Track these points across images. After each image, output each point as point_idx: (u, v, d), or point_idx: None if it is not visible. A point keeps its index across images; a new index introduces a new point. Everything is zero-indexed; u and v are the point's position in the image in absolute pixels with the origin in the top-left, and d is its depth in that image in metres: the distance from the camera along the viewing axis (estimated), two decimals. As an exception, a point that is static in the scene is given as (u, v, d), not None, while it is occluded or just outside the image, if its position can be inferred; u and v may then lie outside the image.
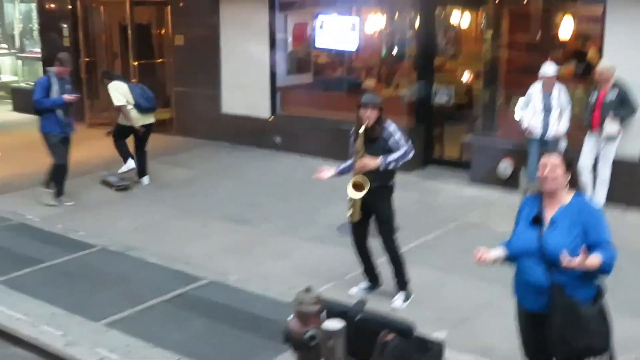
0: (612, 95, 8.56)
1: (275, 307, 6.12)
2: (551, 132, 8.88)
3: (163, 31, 14.42)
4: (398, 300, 6.22)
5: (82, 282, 6.87)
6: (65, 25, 14.72)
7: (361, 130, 6.06)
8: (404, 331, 5.02)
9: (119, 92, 9.87)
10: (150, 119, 10.06)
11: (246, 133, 12.38)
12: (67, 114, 9.14)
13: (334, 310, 5.08)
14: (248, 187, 10.16)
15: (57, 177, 9.21)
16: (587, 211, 4.00)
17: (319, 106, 12.25)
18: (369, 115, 5.99)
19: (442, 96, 10.55)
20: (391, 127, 6.08)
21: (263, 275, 6.99)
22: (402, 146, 6.04)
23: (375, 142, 6.06)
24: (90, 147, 11.78)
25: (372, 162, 6.03)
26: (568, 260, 3.77)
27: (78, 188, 10.03)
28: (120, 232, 8.24)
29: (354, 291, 6.45)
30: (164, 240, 8.00)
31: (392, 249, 6.28)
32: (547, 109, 8.89)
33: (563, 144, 8.88)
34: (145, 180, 10.24)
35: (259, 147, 12.16)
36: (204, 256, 7.47)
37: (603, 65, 8.64)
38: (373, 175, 6.06)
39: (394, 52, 12.32)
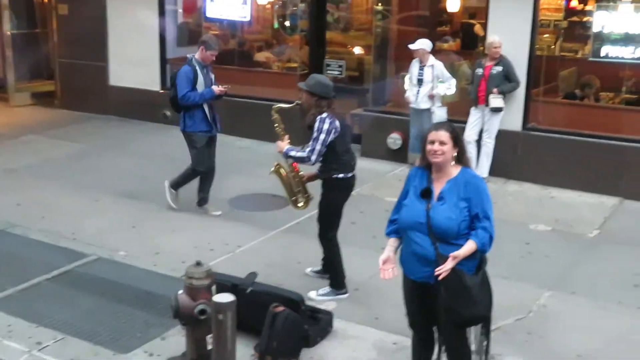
0: (497, 70, 8.86)
1: (166, 282, 6.03)
2: (421, 104, 9.20)
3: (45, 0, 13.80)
4: (314, 292, 5.93)
5: (-40, 262, 6.55)
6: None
7: (275, 106, 5.97)
8: (294, 303, 5.08)
9: None
10: None
11: (136, 106, 12.06)
12: (212, 109, 7.78)
13: (225, 284, 5.07)
14: (139, 161, 9.93)
15: (188, 181, 7.97)
16: (473, 184, 4.09)
17: (211, 79, 12.08)
18: (301, 97, 5.84)
19: (333, 69, 10.59)
20: (318, 123, 5.65)
21: (154, 250, 6.87)
22: (307, 148, 5.71)
23: (309, 129, 5.79)
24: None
25: (279, 145, 5.92)
26: (444, 268, 3.94)
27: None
28: (2, 208, 7.89)
29: (308, 270, 6.36)
30: (50, 216, 7.71)
31: (324, 243, 6.02)
32: (421, 82, 9.18)
33: (442, 115, 9.13)
34: None
35: (149, 121, 11.88)
36: (92, 232, 7.27)
37: (492, 39, 8.89)
38: (320, 165, 5.89)
39: (286, 24, 12.28)
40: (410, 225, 4.13)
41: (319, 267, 6.35)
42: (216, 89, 7.61)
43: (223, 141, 10.92)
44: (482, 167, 9.11)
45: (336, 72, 10.63)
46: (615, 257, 6.93)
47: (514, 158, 9.23)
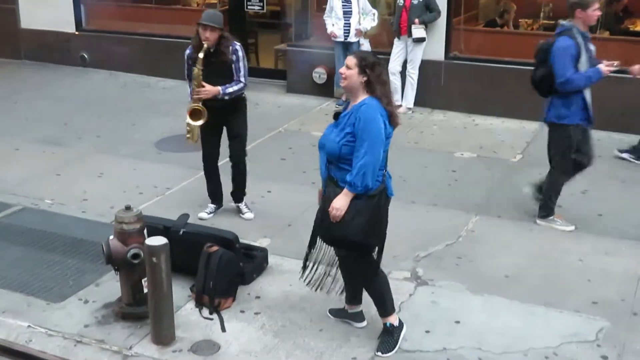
0: (417, 0, 8.86)
1: (96, 228, 5.94)
2: (351, 36, 9.15)
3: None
4: (248, 212, 6.24)
5: None
6: None
7: (201, 55, 5.65)
8: (228, 242, 5.08)
9: None
10: None
11: (50, 49, 11.64)
12: (590, 94, 5.83)
13: (157, 227, 5.03)
14: (58, 106, 9.63)
15: (559, 189, 6.19)
16: (357, 112, 4.02)
17: (128, 18, 11.72)
18: (209, 37, 5.62)
19: (254, 4, 10.40)
20: (240, 52, 5.81)
21: (80, 197, 6.73)
22: (241, 78, 5.84)
23: (222, 65, 5.76)
24: None
25: (211, 90, 5.75)
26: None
27: None
28: None
29: (204, 215, 6.28)
30: (-33, 168, 7.46)
31: (243, 164, 6.19)
32: (347, 14, 9.11)
33: (366, 46, 9.16)
34: None
35: (65, 64, 11.51)
36: (15, 182, 7.06)
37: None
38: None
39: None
40: (319, 146, 4.24)
41: (213, 205, 6.38)
42: (605, 68, 5.66)
43: (146, 82, 10.75)
44: (407, 98, 9.19)
45: (257, 7, 10.46)
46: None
47: (438, 87, 9.34)
